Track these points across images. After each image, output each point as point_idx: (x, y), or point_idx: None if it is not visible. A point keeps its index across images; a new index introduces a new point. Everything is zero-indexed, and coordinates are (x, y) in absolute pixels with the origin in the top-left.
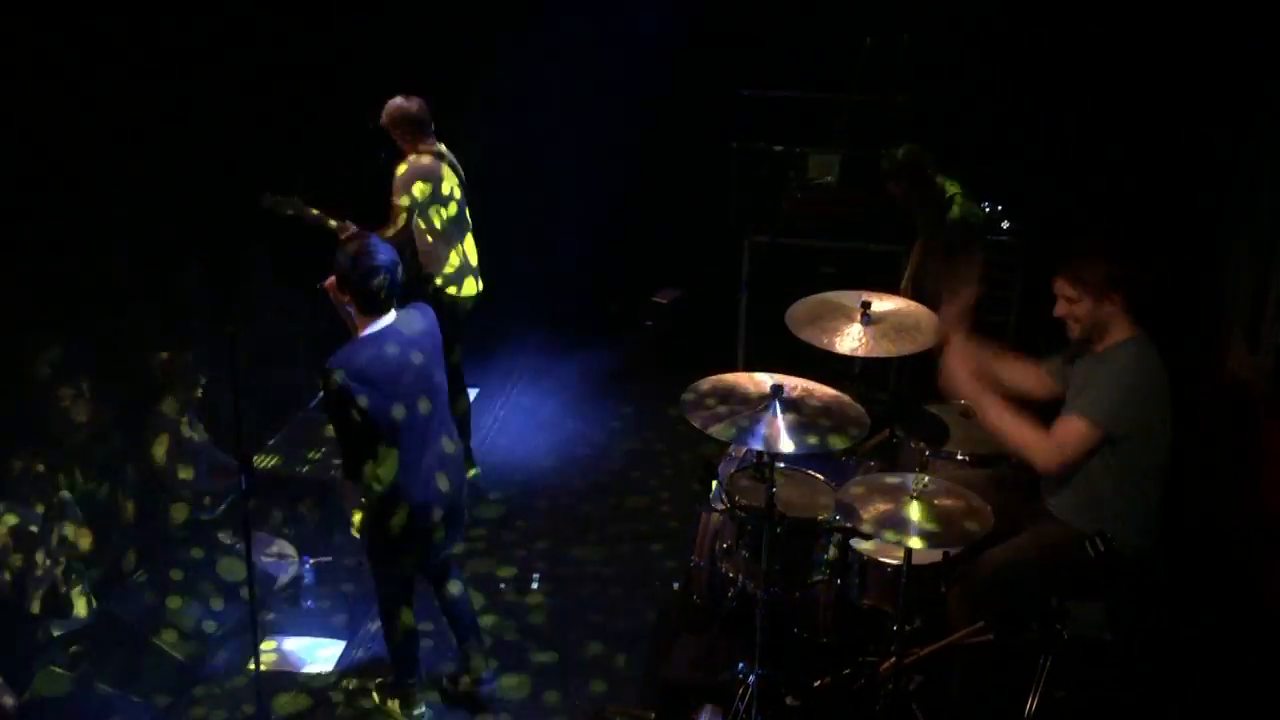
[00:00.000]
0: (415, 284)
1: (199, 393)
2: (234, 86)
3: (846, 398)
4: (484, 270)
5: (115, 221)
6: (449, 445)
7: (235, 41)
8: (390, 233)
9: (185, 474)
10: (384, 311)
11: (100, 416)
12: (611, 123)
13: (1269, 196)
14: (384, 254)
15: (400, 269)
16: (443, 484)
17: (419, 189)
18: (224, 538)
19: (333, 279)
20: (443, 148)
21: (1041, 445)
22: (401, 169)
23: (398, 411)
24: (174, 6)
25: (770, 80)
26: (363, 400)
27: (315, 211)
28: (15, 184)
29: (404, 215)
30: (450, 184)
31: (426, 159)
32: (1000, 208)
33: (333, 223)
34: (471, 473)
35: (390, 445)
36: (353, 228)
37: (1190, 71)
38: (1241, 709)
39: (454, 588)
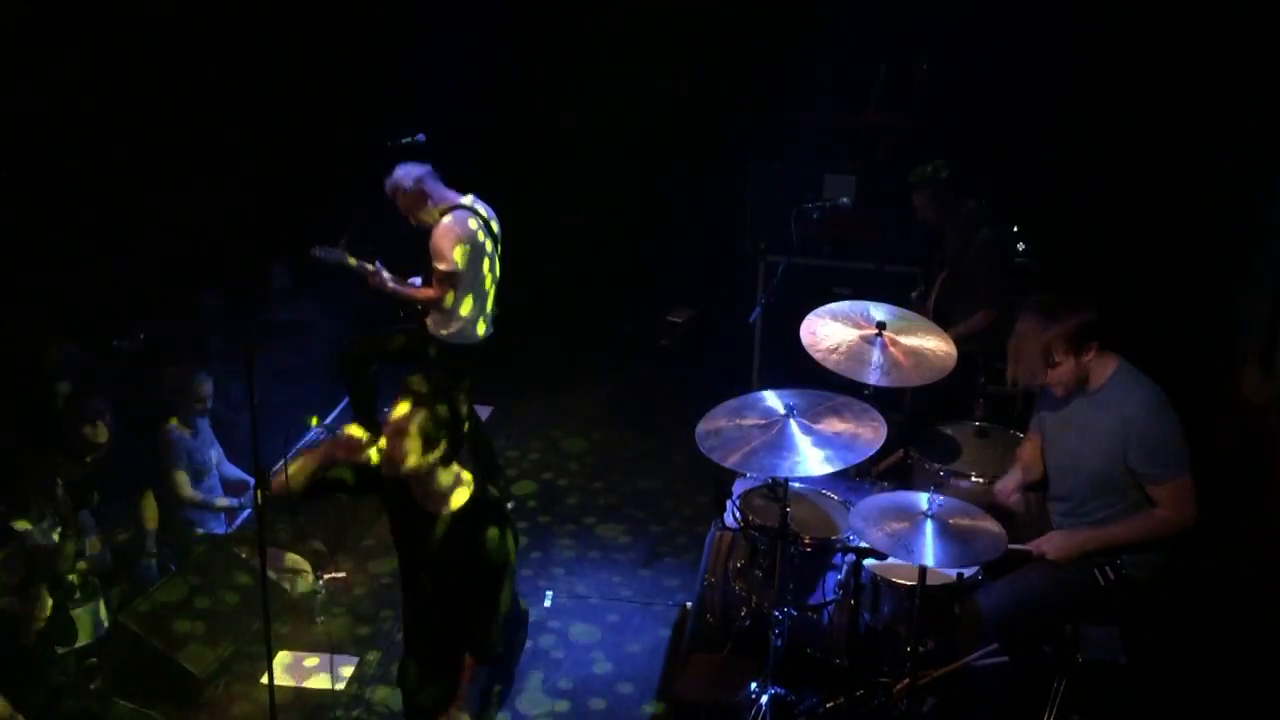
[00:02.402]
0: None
1: (209, 408)
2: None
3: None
4: (499, 294)
5: (138, 238)
6: None
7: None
8: (438, 298)
9: (198, 490)
10: None
11: (119, 433)
12: (628, 141)
13: None
14: None
15: None
16: None
17: (460, 253)
18: (238, 553)
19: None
20: (467, 198)
21: (1169, 518)
22: (439, 231)
23: None
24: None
25: (787, 102)
26: None
27: (354, 262)
28: (39, 203)
29: (454, 279)
30: (481, 235)
31: (460, 216)
32: (1015, 229)
33: (369, 267)
34: (507, 504)
35: None
36: (384, 272)
37: (1206, 95)
38: None
39: None
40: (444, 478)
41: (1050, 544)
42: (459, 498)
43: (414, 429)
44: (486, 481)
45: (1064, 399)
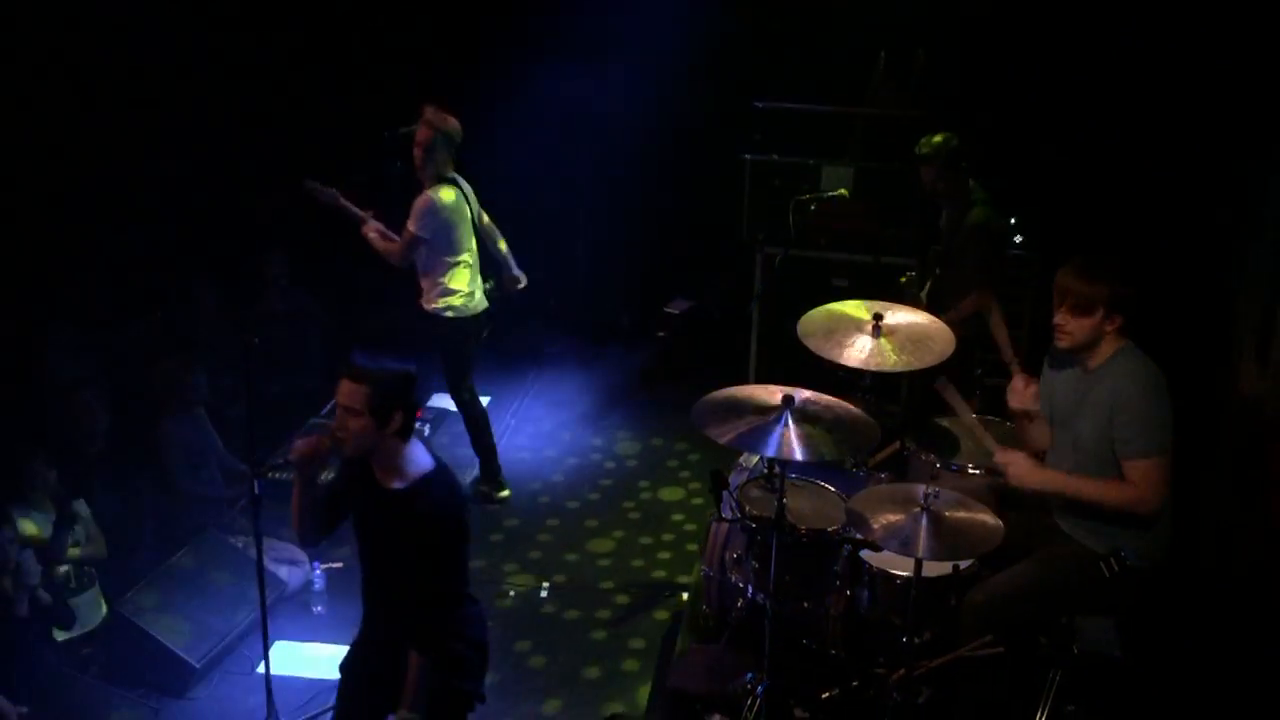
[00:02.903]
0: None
1: (204, 399)
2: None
3: (858, 410)
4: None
5: (131, 230)
6: None
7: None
8: (399, 255)
9: (196, 480)
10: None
11: (115, 425)
12: (625, 133)
13: None
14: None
15: None
16: None
17: (434, 223)
18: (235, 542)
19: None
20: (455, 176)
21: (1132, 496)
22: (425, 199)
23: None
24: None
25: (784, 93)
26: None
27: (346, 204)
28: (33, 195)
29: (416, 245)
30: (464, 208)
31: (448, 191)
32: (1013, 220)
33: (361, 213)
34: (504, 493)
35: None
36: (373, 221)
37: (1205, 89)
38: None
39: None
40: (402, 453)
41: (1015, 465)
42: (415, 473)
43: (362, 405)
44: (484, 471)
45: (1065, 381)
